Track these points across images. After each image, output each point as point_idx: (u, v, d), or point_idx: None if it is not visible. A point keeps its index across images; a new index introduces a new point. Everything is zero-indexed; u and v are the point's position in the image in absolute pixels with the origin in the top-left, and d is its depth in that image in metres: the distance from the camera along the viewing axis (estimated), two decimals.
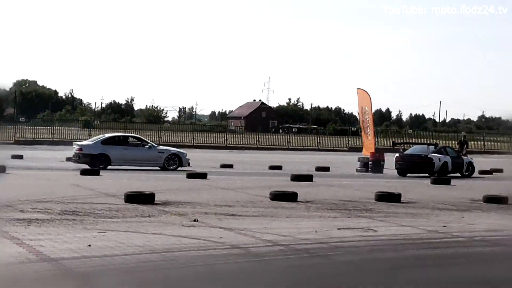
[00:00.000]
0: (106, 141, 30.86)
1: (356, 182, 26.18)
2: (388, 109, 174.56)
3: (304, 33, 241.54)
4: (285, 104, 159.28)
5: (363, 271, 10.04)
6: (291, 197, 18.45)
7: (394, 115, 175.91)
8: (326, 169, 33.93)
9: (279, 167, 34.18)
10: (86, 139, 37.83)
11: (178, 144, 60.03)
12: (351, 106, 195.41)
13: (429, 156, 32.68)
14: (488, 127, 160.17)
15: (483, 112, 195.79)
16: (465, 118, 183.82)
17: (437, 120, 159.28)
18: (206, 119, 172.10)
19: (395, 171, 33.40)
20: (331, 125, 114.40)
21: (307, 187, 22.52)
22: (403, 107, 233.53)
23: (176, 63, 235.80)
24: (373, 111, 43.23)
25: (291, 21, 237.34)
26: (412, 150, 34.76)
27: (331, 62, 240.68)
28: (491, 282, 9.59)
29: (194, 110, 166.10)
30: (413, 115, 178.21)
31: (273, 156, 47.80)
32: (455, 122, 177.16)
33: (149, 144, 31.42)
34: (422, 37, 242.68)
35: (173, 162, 30.63)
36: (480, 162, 42.97)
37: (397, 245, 12.15)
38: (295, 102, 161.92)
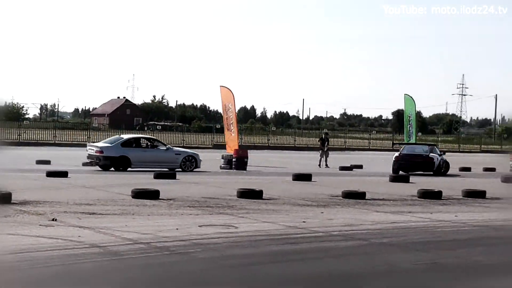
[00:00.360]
0: (125, 143, 31.09)
1: (219, 179, 26.32)
2: (253, 107, 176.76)
3: (168, 29, 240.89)
4: (150, 102, 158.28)
5: (223, 267, 10.08)
6: (153, 194, 18.35)
7: (259, 112, 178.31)
8: None
9: None
10: None
11: (39, 141, 58.73)
12: (216, 104, 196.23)
13: (429, 155, 34.33)
14: (350, 125, 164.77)
15: (345, 109, 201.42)
16: (328, 116, 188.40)
17: (301, 117, 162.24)
18: (69, 116, 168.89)
19: (258, 168, 33.81)
20: (196, 122, 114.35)
21: (170, 185, 22.45)
22: (268, 104, 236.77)
23: (37, 58, 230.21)
24: (238, 108, 43.89)
25: (154, 17, 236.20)
26: (407, 150, 35.97)
27: (195, 59, 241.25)
28: (347, 276, 9.84)
29: (56, 107, 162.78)
30: (277, 113, 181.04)
31: None
32: (318, 120, 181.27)
33: (166, 146, 32.48)
34: (286, 35, 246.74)
35: (190, 164, 31.37)
36: (341, 158, 44.11)
37: (257, 241, 12.28)
38: (160, 99, 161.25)
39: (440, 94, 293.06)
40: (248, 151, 36.52)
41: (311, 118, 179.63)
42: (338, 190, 21.36)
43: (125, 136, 33.18)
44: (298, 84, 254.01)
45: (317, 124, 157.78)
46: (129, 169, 30.04)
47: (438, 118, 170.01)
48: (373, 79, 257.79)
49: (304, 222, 14.74)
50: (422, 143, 41.17)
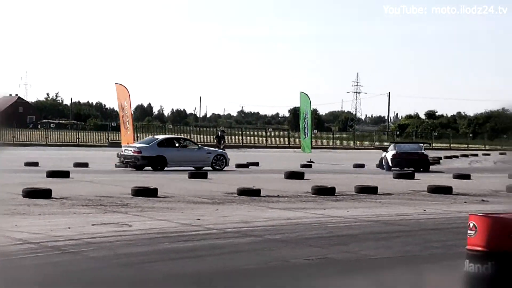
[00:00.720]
0: (161, 144, 32.30)
1: (115, 178, 26.03)
2: (150, 104, 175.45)
3: (61, 24, 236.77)
4: (44, 99, 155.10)
5: (116, 266, 9.98)
6: (45, 194, 18.01)
7: (156, 110, 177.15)
8: (85, 164, 33.41)
9: (35, 164, 33.19)
10: None
11: None
12: (112, 101, 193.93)
13: (424, 153, 37.05)
14: (247, 122, 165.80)
15: (242, 107, 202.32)
16: (226, 113, 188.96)
17: (198, 115, 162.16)
18: None
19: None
20: (91, 120, 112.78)
21: (63, 184, 22.11)
22: (165, 102, 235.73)
23: None
24: (135, 106, 43.81)
25: (45, 11, 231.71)
26: (401, 148, 37.74)
27: (90, 56, 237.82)
28: (240, 272, 9.90)
29: None
30: (175, 110, 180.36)
31: (30, 153, 46.28)
32: (216, 117, 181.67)
33: (198, 146, 34.28)
34: (182, 32, 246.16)
35: (220, 162, 32.73)
36: (238, 156, 44.32)
37: (151, 239, 12.21)
38: (54, 97, 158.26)
39: (336, 92, 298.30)
40: None
41: (208, 115, 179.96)
42: (233, 188, 21.43)
43: (160, 137, 34.50)
44: (195, 82, 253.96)
45: (215, 122, 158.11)
46: (166, 168, 31.01)
47: (334, 116, 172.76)
48: (269, 77, 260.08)
49: (198, 219, 14.74)
50: (411, 141, 47.33)
